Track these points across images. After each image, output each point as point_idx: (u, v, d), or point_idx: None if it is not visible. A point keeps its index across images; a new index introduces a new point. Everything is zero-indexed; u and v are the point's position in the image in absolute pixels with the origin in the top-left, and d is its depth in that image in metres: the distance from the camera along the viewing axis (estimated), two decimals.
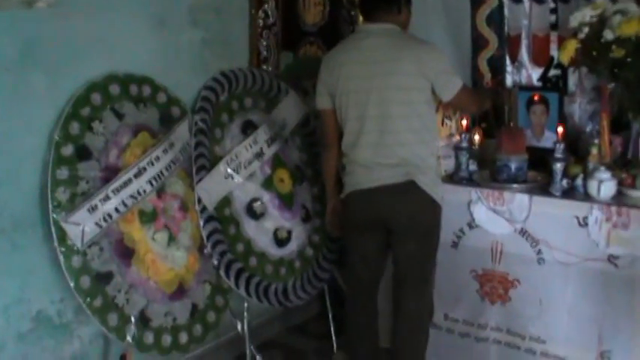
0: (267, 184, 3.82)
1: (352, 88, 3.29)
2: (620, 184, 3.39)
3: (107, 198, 3.14)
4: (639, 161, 3.53)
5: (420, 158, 3.29)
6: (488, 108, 4.00)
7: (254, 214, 3.75)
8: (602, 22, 3.49)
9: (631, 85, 3.46)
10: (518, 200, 3.50)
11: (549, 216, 3.43)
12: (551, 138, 3.84)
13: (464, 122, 3.75)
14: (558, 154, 3.44)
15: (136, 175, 3.27)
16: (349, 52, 3.35)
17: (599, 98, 3.86)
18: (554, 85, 4.13)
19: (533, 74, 4.21)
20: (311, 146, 4.11)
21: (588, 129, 3.95)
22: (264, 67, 4.03)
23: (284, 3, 4.09)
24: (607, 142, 3.60)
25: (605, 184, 3.32)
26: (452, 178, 3.76)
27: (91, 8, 3.16)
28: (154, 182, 3.34)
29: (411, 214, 3.31)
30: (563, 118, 3.91)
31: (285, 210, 3.86)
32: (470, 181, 3.71)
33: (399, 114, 3.25)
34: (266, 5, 3.98)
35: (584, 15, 3.53)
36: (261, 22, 3.97)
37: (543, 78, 4.18)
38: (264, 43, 4.00)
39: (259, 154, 3.79)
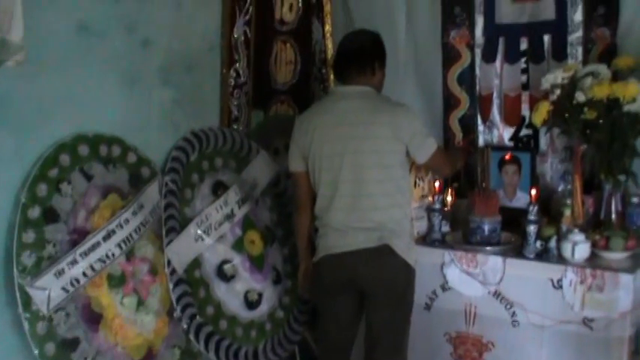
0: (238, 245, 3.75)
1: (325, 152, 3.26)
2: (594, 245, 3.38)
3: (75, 262, 3.05)
4: (612, 222, 3.54)
5: (394, 222, 3.25)
6: (460, 168, 3.97)
7: (224, 276, 3.66)
8: (573, 84, 3.53)
9: (603, 147, 3.49)
10: (492, 262, 3.47)
11: (523, 278, 3.41)
12: (523, 198, 3.87)
13: (436, 184, 3.74)
14: (532, 217, 3.42)
15: (105, 238, 3.19)
16: (322, 114, 3.33)
17: (571, 158, 3.88)
18: (526, 145, 4.14)
19: (504, 134, 4.23)
20: (282, 206, 4.05)
21: (560, 188, 3.97)
22: (235, 126, 3.98)
23: (255, 62, 4.06)
24: (580, 204, 3.61)
25: (579, 247, 3.31)
26: (425, 240, 3.72)
27: (59, 67, 3.10)
28: (123, 245, 3.26)
29: (385, 280, 3.25)
30: (535, 178, 3.92)
31: (256, 272, 3.78)
32: (443, 243, 3.67)
33: (373, 178, 3.21)
34: (237, 64, 3.94)
35: (556, 77, 3.57)
36: (232, 81, 3.93)
37: (515, 138, 4.20)
38: (235, 102, 3.96)
39: (230, 216, 3.72)
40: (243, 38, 3.97)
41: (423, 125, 3.36)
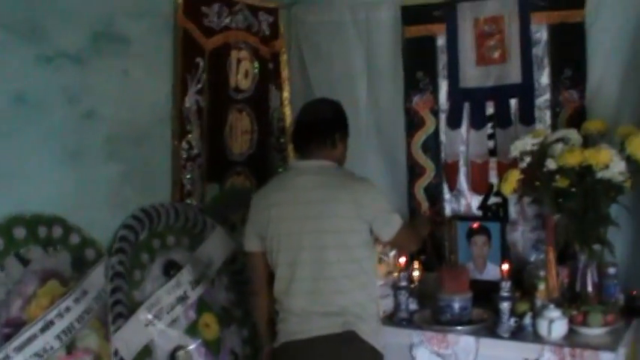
0: (192, 330, 3.51)
1: (283, 231, 3.06)
2: (571, 321, 3.21)
3: (7, 358, 2.79)
4: (589, 296, 3.38)
5: (359, 306, 3.04)
6: (426, 238, 3.80)
7: None
8: (543, 150, 3.41)
9: (576, 216, 3.35)
10: (464, 343, 3.28)
11: (498, 359, 3.22)
12: (494, 270, 3.74)
13: (402, 259, 3.56)
14: (505, 293, 3.25)
15: (43, 330, 2.92)
16: (280, 191, 3.14)
17: (542, 226, 3.78)
18: (495, 214, 4.02)
19: (472, 202, 4.09)
20: (240, 285, 3.81)
21: (532, 258, 3.86)
22: (189, 200, 3.76)
23: (209, 132, 3.87)
24: (554, 277, 3.46)
25: (556, 324, 3.14)
26: (391, 320, 3.52)
27: None
28: (63, 337, 2.99)
29: None
30: (506, 249, 3.79)
31: (212, 357, 3.54)
32: (411, 323, 3.47)
33: (334, 259, 3.01)
34: (190, 135, 3.75)
35: (525, 144, 3.46)
36: (184, 153, 3.73)
37: (483, 206, 4.07)
38: (188, 176, 3.75)
39: (183, 298, 3.49)
40: (195, 107, 3.80)
41: (387, 201, 3.19)
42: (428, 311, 3.54)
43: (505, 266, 3.35)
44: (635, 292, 3.48)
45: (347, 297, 3.01)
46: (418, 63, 4.12)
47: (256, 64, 4.16)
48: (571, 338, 3.15)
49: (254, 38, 4.15)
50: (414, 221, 3.81)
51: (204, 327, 3.57)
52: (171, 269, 3.53)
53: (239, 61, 4.02)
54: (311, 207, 3.01)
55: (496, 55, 3.92)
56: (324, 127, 3.13)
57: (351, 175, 3.13)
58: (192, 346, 3.49)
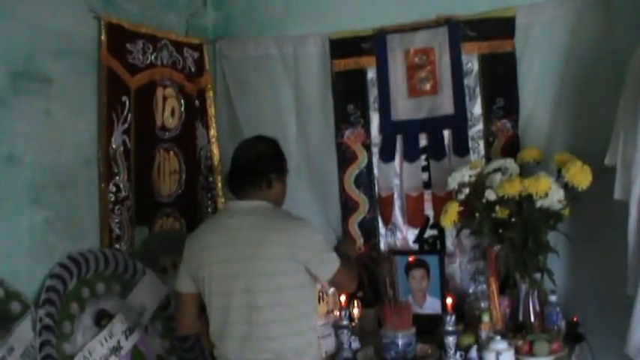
0: None
1: (216, 274, 2.92)
2: (517, 352, 3.17)
3: None
4: (533, 325, 3.36)
5: (294, 352, 2.90)
6: (362, 275, 3.71)
7: None
8: (481, 181, 3.40)
9: (516, 246, 3.34)
10: None
11: None
12: (434, 303, 3.72)
13: (342, 297, 3.48)
14: (449, 327, 3.21)
15: None
16: (213, 232, 3.01)
17: (480, 257, 3.80)
18: (432, 247, 3.98)
19: (408, 236, 4.04)
20: (174, 331, 3.66)
21: (471, 290, 3.84)
22: (118, 246, 3.59)
23: (136, 174, 3.72)
24: (497, 308, 3.42)
25: (503, 356, 3.07)
26: None
27: None
28: None
29: None
30: (445, 282, 3.76)
31: None
32: None
33: (267, 303, 2.87)
34: (117, 177, 3.59)
35: (463, 175, 3.45)
36: (112, 196, 3.57)
37: (420, 239, 4.02)
38: (117, 220, 3.59)
39: (116, 349, 3.32)
40: (122, 149, 3.65)
41: (325, 240, 3.05)
42: (371, 349, 3.44)
43: (449, 300, 3.31)
44: (576, 319, 3.47)
45: (280, 343, 2.87)
46: (349, 96, 4.07)
47: (182, 102, 4.05)
48: None
49: (179, 75, 4.04)
50: (341, 244, 3.60)
51: None
52: (102, 319, 3.36)
53: (165, 98, 3.90)
54: (244, 249, 2.89)
55: (428, 86, 3.90)
56: (259, 167, 3.01)
57: (286, 215, 3.02)
58: None
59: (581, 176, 3.23)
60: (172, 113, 3.96)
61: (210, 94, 4.32)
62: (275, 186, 3.02)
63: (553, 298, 3.39)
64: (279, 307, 2.88)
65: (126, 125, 3.66)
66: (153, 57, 3.86)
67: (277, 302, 2.87)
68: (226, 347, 2.91)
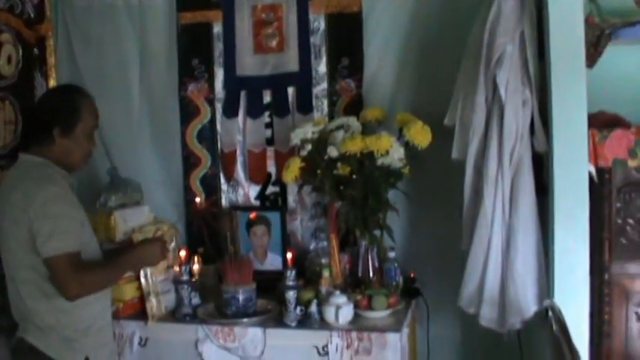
0: None
1: None
2: (356, 306, 3.25)
3: None
4: (372, 281, 3.43)
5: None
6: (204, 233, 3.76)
7: None
8: (324, 138, 3.43)
9: (357, 203, 3.40)
10: (251, 335, 3.22)
11: (287, 348, 3.19)
12: (275, 260, 3.75)
13: (182, 253, 3.43)
14: (290, 282, 3.22)
15: None
16: (2, 184, 2.94)
17: (322, 214, 3.84)
18: (274, 203, 3.99)
19: (250, 192, 4.03)
20: (3, 290, 3.42)
21: (312, 247, 3.88)
22: None
23: None
24: (337, 263, 3.48)
25: (342, 310, 3.17)
26: (174, 316, 3.39)
27: None
28: None
29: None
30: (286, 239, 3.78)
31: None
32: (195, 317, 3.35)
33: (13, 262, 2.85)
34: None
35: (306, 132, 3.46)
36: None
37: (261, 196, 4.02)
38: None
39: None
40: None
41: (57, 215, 2.77)
42: (211, 305, 3.44)
43: (289, 255, 3.33)
44: (413, 274, 3.58)
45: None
46: (194, 50, 3.98)
47: (20, 49, 3.81)
48: (357, 322, 3.20)
49: (17, 20, 3.78)
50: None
51: None
52: None
53: (1, 44, 3.65)
54: (5, 207, 2.82)
55: (274, 43, 3.88)
56: (40, 119, 2.89)
57: (33, 172, 2.83)
58: None
59: (421, 136, 3.31)
60: (9, 60, 3.72)
61: (50, 42, 4.06)
62: (58, 143, 2.87)
63: (392, 254, 3.48)
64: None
65: None
66: None
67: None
68: None
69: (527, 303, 2.93)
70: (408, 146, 3.35)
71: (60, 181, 2.83)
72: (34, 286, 2.78)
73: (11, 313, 2.98)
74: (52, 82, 4.03)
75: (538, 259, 2.94)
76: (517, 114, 2.90)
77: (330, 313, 3.16)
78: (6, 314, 3.30)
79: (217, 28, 3.94)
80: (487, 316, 3.04)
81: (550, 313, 2.70)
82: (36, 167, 2.83)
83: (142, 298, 3.37)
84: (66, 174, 2.91)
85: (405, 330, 3.21)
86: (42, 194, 2.72)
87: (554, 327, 2.60)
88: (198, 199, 4.03)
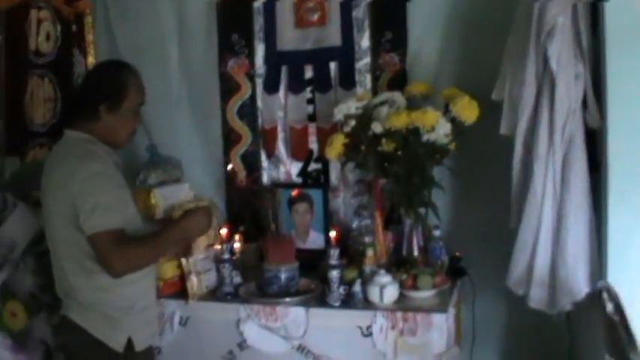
0: None
1: (43, 207, 2.87)
2: (401, 286, 3.18)
3: None
4: (416, 260, 3.37)
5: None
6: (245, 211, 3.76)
7: None
8: (368, 113, 3.36)
9: (401, 180, 3.32)
10: (294, 315, 3.17)
11: (329, 328, 3.15)
12: (317, 238, 3.72)
13: (223, 231, 3.40)
14: (333, 261, 3.15)
15: None
16: (47, 160, 2.93)
17: (364, 192, 3.76)
18: (316, 181, 3.93)
19: (292, 170, 3.98)
20: (48, 267, 3.48)
21: (355, 225, 3.78)
22: None
23: (7, 101, 3.49)
24: (382, 242, 3.43)
25: (387, 289, 3.11)
26: (215, 295, 3.35)
27: None
28: None
29: None
30: (329, 217, 3.74)
31: (19, 350, 3.24)
32: (236, 297, 3.31)
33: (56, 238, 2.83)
34: None
35: (349, 107, 3.40)
36: None
37: (303, 173, 3.97)
38: None
39: None
40: None
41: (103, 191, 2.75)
42: (253, 284, 3.40)
43: (333, 233, 3.27)
44: (458, 254, 3.51)
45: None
46: (233, 25, 3.93)
47: (59, 26, 3.79)
48: (402, 302, 3.14)
49: None
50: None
51: (10, 317, 3.28)
52: None
53: (40, 22, 3.64)
54: (48, 183, 2.82)
55: (315, 17, 3.80)
56: (86, 95, 2.87)
57: (79, 150, 2.79)
58: None
59: (468, 111, 3.23)
60: (47, 38, 3.71)
61: (88, 19, 4.07)
62: (104, 119, 2.82)
63: (437, 232, 3.41)
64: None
65: None
66: None
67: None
68: None
69: (579, 284, 2.83)
70: (454, 122, 3.26)
71: (104, 157, 2.79)
72: (76, 263, 2.76)
73: (53, 291, 2.97)
74: (91, 60, 4.04)
75: (590, 239, 2.84)
76: (569, 88, 2.79)
77: (374, 293, 3.11)
78: (48, 292, 3.34)
79: (257, 3, 3.88)
80: (537, 298, 2.95)
81: (604, 295, 2.61)
82: (80, 144, 2.80)
83: (183, 277, 3.34)
84: (111, 151, 2.87)
85: (452, 310, 3.15)
86: (84, 171, 2.68)
87: (607, 308, 2.52)
88: (235, 172, 4.02)
